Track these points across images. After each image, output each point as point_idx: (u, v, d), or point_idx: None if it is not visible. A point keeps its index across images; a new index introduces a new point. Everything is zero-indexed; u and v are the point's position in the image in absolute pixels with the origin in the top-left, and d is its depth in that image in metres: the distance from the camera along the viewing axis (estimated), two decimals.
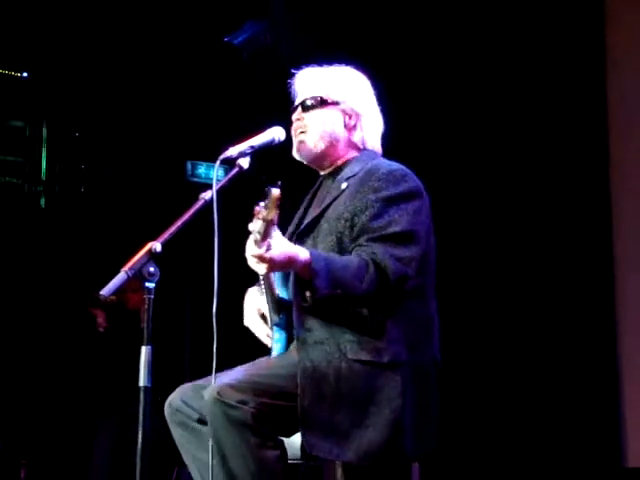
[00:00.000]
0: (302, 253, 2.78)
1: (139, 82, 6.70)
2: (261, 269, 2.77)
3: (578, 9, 5.83)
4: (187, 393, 3.03)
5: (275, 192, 2.69)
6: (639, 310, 5.57)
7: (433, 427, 2.99)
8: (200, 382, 3.04)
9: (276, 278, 3.10)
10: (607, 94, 5.78)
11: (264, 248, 2.68)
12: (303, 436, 2.81)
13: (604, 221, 5.66)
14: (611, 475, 5.43)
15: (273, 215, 2.68)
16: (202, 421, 2.93)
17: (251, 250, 2.73)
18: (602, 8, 5.85)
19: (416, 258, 2.96)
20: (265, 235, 2.68)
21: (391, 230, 2.93)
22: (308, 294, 2.82)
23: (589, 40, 5.82)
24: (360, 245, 2.92)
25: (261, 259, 2.71)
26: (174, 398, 3.04)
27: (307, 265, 2.78)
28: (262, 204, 2.69)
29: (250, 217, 2.89)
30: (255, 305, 3.22)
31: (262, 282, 3.10)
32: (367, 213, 2.96)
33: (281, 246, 2.73)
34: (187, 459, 3.03)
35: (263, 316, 3.19)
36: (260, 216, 2.69)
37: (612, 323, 5.60)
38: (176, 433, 3.03)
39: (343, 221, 3.00)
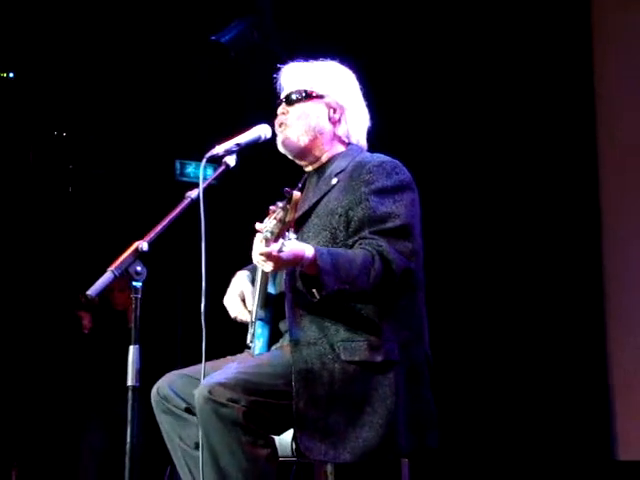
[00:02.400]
0: (308, 250, 2.78)
1: (127, 81, 6.69)
2: (267, 267, 2.77)
3: (566, 10, 5.86)
4: (175, 381, 3.04)
5: (296, 194, 2.71)
6: (628, 304, 5.59)
7: (429, 423, 3.00)
8: (188, 371, 3.05)
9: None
10: (595, 91, 5.81)
11: (276, 247, 2.67)
12: (298, 439, 2.80)
13: (593, 217, 5.68)
14: (602, 468, 5.45)
15: (291, 217, 2.69)
16: (190, 410, 2.94)
17: (259, 248, 2.73)
18: (589, 9, 5.88)
19: (417, 252, 2.99)
20: (279, 235, 2.69)
21: (391, 224, 2.94)
22: (315, 291, 2.82)
23: (577, 39, 5.85)
24: (364, 238, 2.93)
25: (269, 257, 2.70)
26: (161, 386, 3.04)
27: (313, 261, 2.78)
28: (280, 204, 2.70)
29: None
30: (239, 288, 3.21)
31: (258, 276, 3.10)
32: (362, 206, 2.97)
33: (290, 245, 2.72)
34: (172, 447, 3.03)
35: (243, 300, 3.18)
36: (278, 217, 2.70)
37: (601, 317, 5.63)
38: (162, 422, 3.04)
39: (337, 216, 3.01)
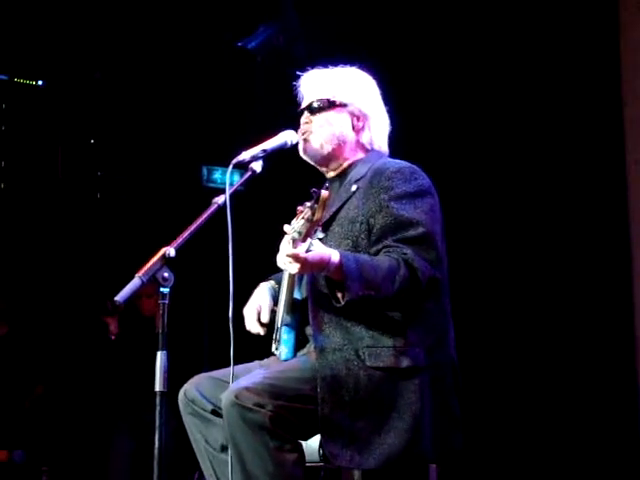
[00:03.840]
0: (334, 255, 2.78)
1: (154, 89, 6.72)
2: (293, 268, 2.76)
3: (592, 10, 5.82)
4: (203, 384, 3.05)
5: (324, 193, 2.71)
6: None
7: (454, 429, 2.99)
8: (215, 374, 3.06)
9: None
10: (622, 93, 5.77)
11: (303, 247, 2.68)
12: (324, 445, 2.81)
13: (621, 218, 5.64)
14: (633, 467, 5.41)
15: (319, 216, 2.69)
16: (216, 412, 2.95)
17: (287, 249, 2.73)
18: (616, 10, 5.84)
19: (441, 259, 2.98)
20: (307, 235, 2.70)
21: (414, 232, 2.93)
22: (340, 296, 2.82)
23: (603, 38, 5.80)
24: (389, 246, 2.92)
25: (296, 259, 2.70)
26: (189, 388, 3.05)
27: (339, 267, 2.78)
28: (308, 204, 2.70)
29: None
30: (258, 302, 3.21)
31: (284, 281, 3.10)
32: (383, 214, 2.97)
33: (317, 247, 2.73)
34: (198, 449, 3.04)
35: (259, 313, 3.18)
36: (305, 216, 2.70)
37: (630, 316, 5.56)
38: (189, 424, 3.05)
39: (358, 224, 3.00)
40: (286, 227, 2.82)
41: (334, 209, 3.06)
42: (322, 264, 2.76)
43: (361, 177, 3.10)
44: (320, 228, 2.74)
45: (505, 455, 5.63)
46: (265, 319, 3.16)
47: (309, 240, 2.69)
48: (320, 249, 2.75)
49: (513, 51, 5.93)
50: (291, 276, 3.05)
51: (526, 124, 5.92)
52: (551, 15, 5.89)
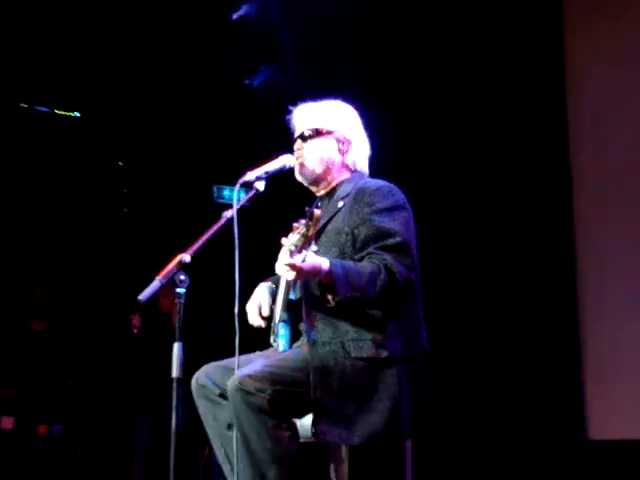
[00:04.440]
0: (324, 263, 2.78)
1: (174, 121, 6.74)
2: (290, 276, 2.75)
3: (537, 23, 5.79)
4: (211, 371, 3.03)
5: (317, 212, 2.71)
6: (600, 292, 5.49)
7: (426, 409, 2.98)
8: (222, 363, 3.04)
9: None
10: (567, 105, 5.74)
11: (299, 258, 2.68)
12: (316, 424, 2.79)
13: (566, 222, 5.63)
14: (575, 447, 5.37)
15: (313, 232, 2.69)
16: (223, 396, 2.93)
17: (285, 259, 2.72)
18: (560, 17, 5.81)
19: (416, 264, 2.98)
20: (302, 248, 2.69)
21: (392, 240, 2.92)
22: (330, 297, 2.82)
23: (549, 50, 5.77)
24: (371, 253, 2.91)
25: (293, 267, 2.69)
26: (200, 375, 3.03)
27: (329, 273, 2.77)
28: (303, 222, 2.70)
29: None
30: (258, 299, 3.19)
31: (282, 284, 3.09)
32: (366, 225, 2.96)
33: (310, 257, 2.72)
34: (208, 428, 3.02)
35: (259, 309, 3.16)
36: (301, 232, 2.70)
37: (574, 305, 5.53)
38: (200, 406, 3.03)
39: (344, 235, 3.00)
40: (284, 240, 2.82)
41: (323, 222, 3.04)
42: (315, 271, 2.76)
43: (346, 195, 3.10)
44: (314, 242, 2.74)
45: (471, 432, 5.62)
46: (265, 313, 3.14)
47: (304, 252, 2.69)
48: (313, 259, 2.74)
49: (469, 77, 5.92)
50: (287, 281, 3.04)
51: (476, 147, 5.91)
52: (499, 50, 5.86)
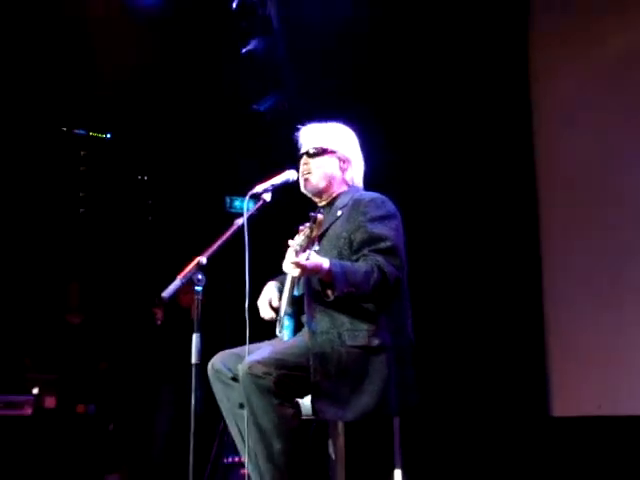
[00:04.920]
0: (325, 262, 2.79)
1: (191, 141, 6.76)
2: (295, 272, 2.77)
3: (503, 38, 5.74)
4: (225, 358, 3.04)
5: (320, 217, 2.73)
6: (563, 273, 5.43)
7: (411, 391, 2.98)
8: (235, 350, 3.05)
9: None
10: (532, 118, 5.71)
11: (303, 257, 2.69)
12: (315, 404, 2.80)
13: (532, 222, 5.59)
14: (539, 423, 5.34)
15: (316, 234, 2.70)
16: (235, 379, 2.94)
17: (291, 258, 2.73)
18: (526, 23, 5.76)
19: (403, 265, 2.99)
20: (306, 248, 2.70)
21: (384, 244, 2.94)
22: (330, 292, 2.83)
23: (514, 62, 5.71)
24: (365, 255, 2.93)
25: (298, 265, 2.71)
26: (215, 361, 3.05)
27: (329, 271, 2.78)
28: (307, 225, 2.72)
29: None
30: (268, 295, 3.21)
31: (287, 282, 3.10)
32: (361, 231, 2.98)
33: (313, 257, 2.73)
34: (223, 407, 3.03)
35: (270, 303, 3.18)
36: (305, 234, 2.71)
37: (539, 286, 5.47)
38: (215, 387, 3.04)
39: (342, 240, 3.01)
40: (290, 242, 2.83)
41: (324, 228, 3.06)
42: (316, 269, 2.77)
43: (344, 205, 3.12)
44: (317, 243, 2.76)
45: (448, 410, 5.61)
46: (276, 305, 3.15)
47: (308, 251, 2.70)
48: (316, 258, 2.76)
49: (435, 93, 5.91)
50: (293, 278, 3.05)
51: (449, 154, 5.87)
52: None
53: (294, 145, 3.34)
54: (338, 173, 3.21)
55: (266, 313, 3.17)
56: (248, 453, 2.84)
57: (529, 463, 5.19)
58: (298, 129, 3.30)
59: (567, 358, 5.35)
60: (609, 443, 4.89)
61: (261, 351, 2.88)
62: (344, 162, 3.21)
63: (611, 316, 5.10)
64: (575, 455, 5.04)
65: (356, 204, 3.06)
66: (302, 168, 3.22)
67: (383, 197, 3.10)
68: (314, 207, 3.27)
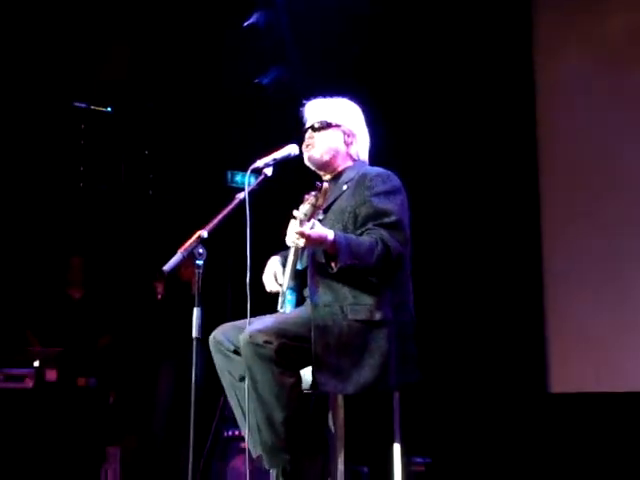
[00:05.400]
0: (330, 234, 2.79)
1: (194, 115, 6.74)
2: (300, 243, 2.76)
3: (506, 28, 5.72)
4: (227, 330, 3.04)
5: (326, 185, 2.73)
6: (563, 250, 5.46)
7: (411, 367, 2.98)
8: (236, 323, 3.04)
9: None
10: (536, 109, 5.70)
11: (308, 226, 2.69)
12: (316, 376, 2.80)
13: (534, 217, 5.60)
14: (537, 400, 5.37)
15: (321, 202, 2.69)
16: (237, 352, 2.93)
17: (296, 228, 2.73)
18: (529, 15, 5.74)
19: (407, 240, 2.98)
20: (311, 216, 2.70)
21: (388, 219, 2.93)
22: (333, 264, 2.82)
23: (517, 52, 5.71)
24: (369, 229, 2.92)
25: (302, 235, 2.70)
26: (217, 333, 3.04)
27: (333, 243, 2.77)
28: (312, 193, 2.71)
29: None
30: (273, 269, 3.20)
31: (290, 255, 3.08)
32: (366, 206, 2.97)
33: (317, 227, 2.73)
34: (223, 379, 3.04)
35: (275, 277, 3.17)
36: (311, 202, 2.70)
37: (539, 266, 5.50)
38: (217, 360, 3.03)
39: (347, 214, 3.00)
40: (295, 212, 2.81)
41: (329, 202, 3.06)
42: (321, 240, 2.77)
43: (350, 179, 3.11)
44: (321, 212, 2.76)
45: (449, 386, 5.63)
46: (281, 280, 3.14)
47: (312, 221, 2.71)
48: (320, 229, 2.76)
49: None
50: (296, 252, 3.04)
51: (455, 141, 5.88)
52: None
53: (296, 119, 3.32)
54: (342, 147, 3.19)
55: (272, 286, 3.16)
56: (248, 426, 2.85)
57: (527, 439, 5.23)
58: (303, 104, 3.28)
59: (566, 335, 5.38)
60: (607, 419, 4.92)
61: (262, 321, 2.88)
62: (349, 136, 3.20)
63: (610, 294, 5.13)
64: (573, 431, 5.07)
65: (362, 179, 3.05)
66: (307, 142, 3.21)
67: (389, 172, 3.08)
68: (319, 181, 3.25)
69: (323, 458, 2.87)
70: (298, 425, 2.80)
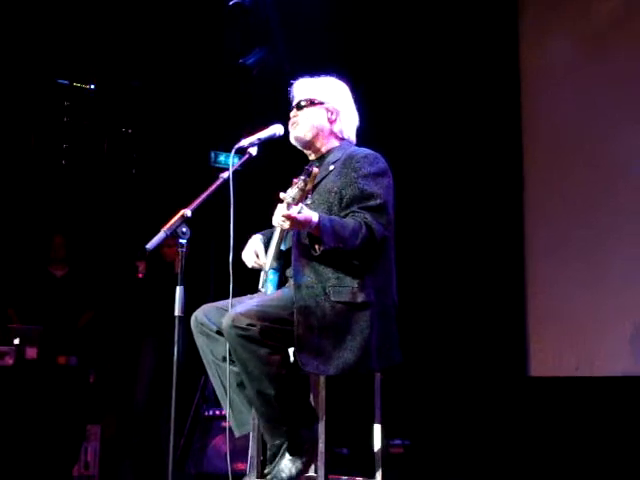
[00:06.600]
0: (314, 216, 2.77)
1: (177, 94, 6.71)
2: (286, 225, 2.74)
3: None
4: (209, 311, 3.02)
5: (315, 170, 2.70)
6: (544, 234, 5.48)
7: (393, 349, 2.98)
8: (218, 304, 3.03)
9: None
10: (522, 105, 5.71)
11: (295, 210, 2.67)
12: (298, 356, 2.79)
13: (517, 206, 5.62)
14: (517, 383, 5.41)
15: (310, 187, 2.67)
16: (219, 332, 2.92)
17: (282, 211, 2.71)
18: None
19: (391, 223, 2.97)
20: (299, 201, 2.68)
21: (373, 202, 2.91)
22: (317, 246, 2.81)
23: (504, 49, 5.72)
24: (354, 212, 2.91)
25: (288, 218, 2.69)
26: (199, 314, 3.03)
27: (318, 225, 2.76)
28: (302, 178, 2.69)
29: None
30: (254, 247, 3.17)
31: (275, 235, 3.06)
32: (352, 187, 2.95)
33: (304, 211, 2.72)
34: (206, 360, 3.03)
35: (256, 254, 3.15)
36: (299, 186, 2.68)
37: (520, 252, 5.54)
38: (199, 340, 3.02)
39: (333, 194, 2.98)
40: (282, 195, 2.79)
41: (315, 182, 3.02)
42: (306, 223, 2.75)
43: (337, 160, 3.08)
44: (310, 196, 2.74)
45: (432, 370, 5.66)
46: (263, 259, 3.12)
47: (300, 205, 2.68)
48: (306, 212, 2.74)
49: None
50: (281, 232, 3.02)
51: (441, 130, 5.88)
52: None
53: (281, 99, 3.30)
54: (326, 125, 3.17)
55: (252, 263, 3.14)
56: (231, 406, 2.84)
57: (507, 422, 5.27)
58: (291, 84, 3.26)
59: (546, 319, 5.41)
60: (585, 403, 4.96)
61: (244, 304, 2.86)
62: (332, 113, 3.17)
63: (590, 279, 5.15)
64: (552, 415, 5.11)
65: (349, 159, 3.03)
66: (291, 120, 3.19)
67: (376, 154, 3.06)
68: (305, 162, 3.24)
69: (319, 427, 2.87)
70: (291, 398, 2.81)
